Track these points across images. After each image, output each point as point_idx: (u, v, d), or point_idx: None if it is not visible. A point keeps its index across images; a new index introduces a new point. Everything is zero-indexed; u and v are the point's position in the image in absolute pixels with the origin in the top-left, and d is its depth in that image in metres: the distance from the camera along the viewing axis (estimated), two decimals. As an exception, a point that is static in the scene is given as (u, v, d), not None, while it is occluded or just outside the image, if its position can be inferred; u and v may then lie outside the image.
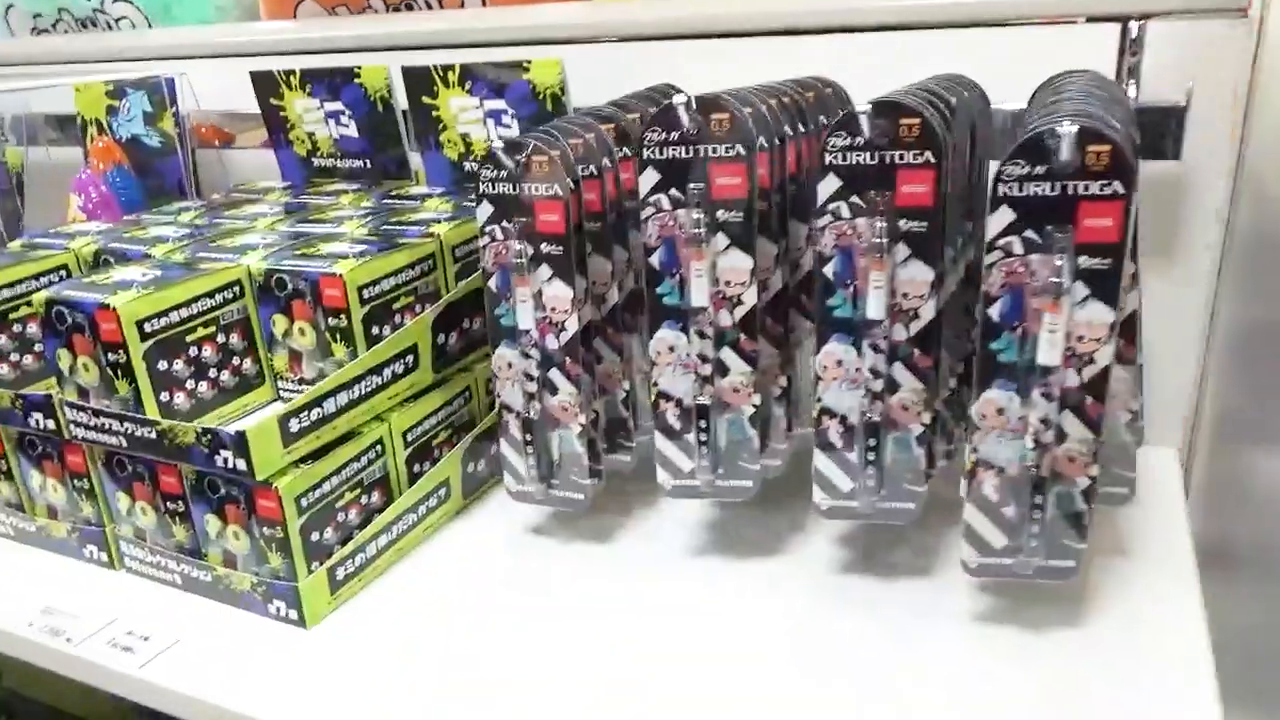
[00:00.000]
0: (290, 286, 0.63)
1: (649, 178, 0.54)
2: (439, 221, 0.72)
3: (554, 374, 0.61)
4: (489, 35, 0.91)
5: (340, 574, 0.60)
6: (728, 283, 0.55)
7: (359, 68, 0.91)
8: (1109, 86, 0.59)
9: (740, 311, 0.55)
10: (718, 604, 0.60)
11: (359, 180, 0.95)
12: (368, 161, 0.95)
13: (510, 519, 0.70)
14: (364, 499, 0.63)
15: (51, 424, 0.63)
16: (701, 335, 0.55)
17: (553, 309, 0.59)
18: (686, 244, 0.54)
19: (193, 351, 0.62)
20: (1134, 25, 0.69)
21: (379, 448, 0.63)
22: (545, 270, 0.59)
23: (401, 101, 0.91)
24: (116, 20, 1.22)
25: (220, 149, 1.13)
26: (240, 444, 0.55)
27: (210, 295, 0.62)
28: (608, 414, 0.65)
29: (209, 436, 0.55)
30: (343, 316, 0.62)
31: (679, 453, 0.59)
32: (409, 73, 0.89)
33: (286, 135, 0.98)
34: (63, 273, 0.72)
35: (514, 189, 0.58)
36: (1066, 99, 0.53)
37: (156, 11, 1.19)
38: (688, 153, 0.53)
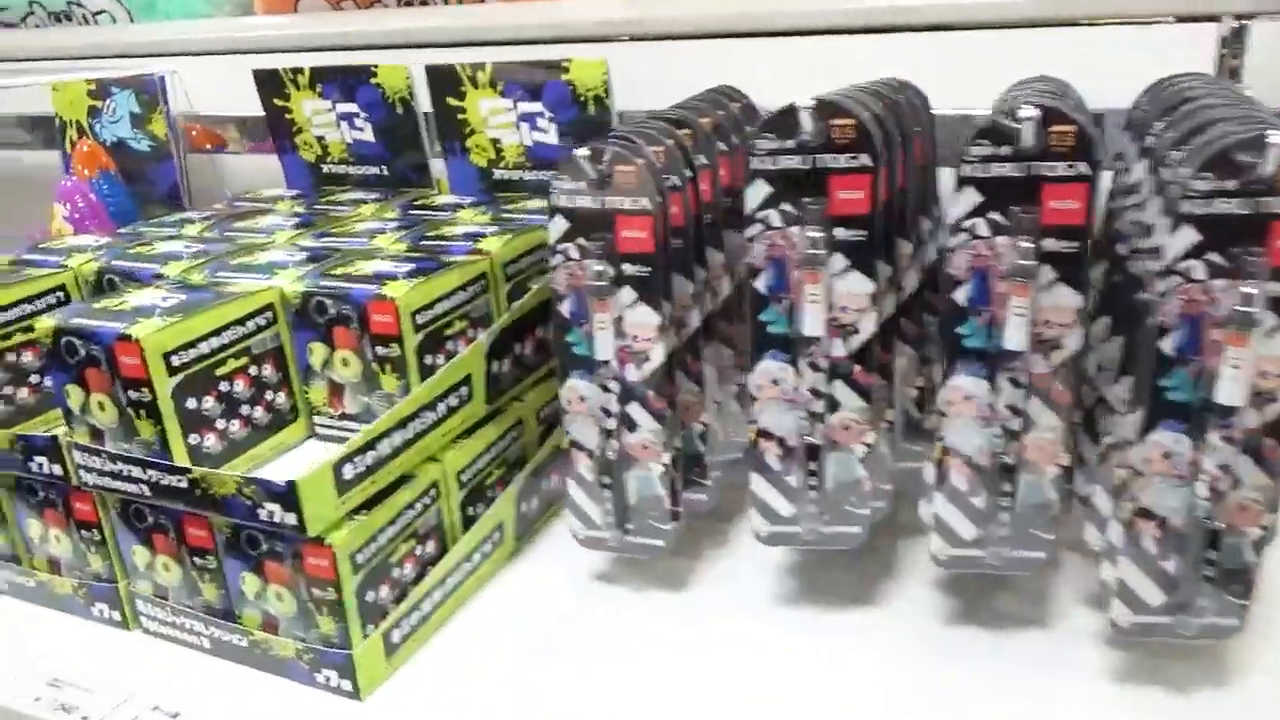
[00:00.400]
0: (332, 311, 0.56)
1: (758, 191, 0.48)
2: (484, 236, 0.65)
3: (634, 408, 0.54)
4: (517, 32, 0.85)
5: (396, 636, 0.53)
6: (844, 309, 0.49)
7: (376, 66, 0.84)
8: (1236, 91, 0.55)
9: (856, 341, 0.49)
10: (807, 654, 0.54)
11: (374, 188, 0.88)
12: (384, 168, 0.88)
13: (570, 563, 0.63)
14: (419, 550, 0.56)
15: (58, 469, 0.55)
16: (815, 368, 0.50)
17: (635, 337, 0.53)
18: (800, 266, 0.48)
19: (223, 386, 0.54)
20: (1231, 24, 0.65)
21: (434, 492, 0.57)
22: (628, 294, 0.52)
23: (423, 103, 0.84)
24: (95, 14, 1.13)
25: (212, 153, 1.05)
26: (290, 496, 0.48)
27: (241, 322, 0.55)
28: (684, 449, 0.59)
29: (253, 487, 0.48)
30: (394, 345, 0.55)
31: (779, 496, 0.53)
32: (434, 72, 0.82)
33: (292, 139, 0.91)
34: (60, 294, 0.64)
35: (595, 202, 0.52)
36: (1209, 104, 0.48)
37: (139, 6, 1.11)
38: (805, 163, 0.47)
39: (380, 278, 0.56)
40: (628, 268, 0.52)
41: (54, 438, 0.55)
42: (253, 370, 0.56)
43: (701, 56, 0.79)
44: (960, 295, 0.47)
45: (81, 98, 1.00)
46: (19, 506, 0.60)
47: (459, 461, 0.59)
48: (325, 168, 0.91)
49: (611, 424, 0.55)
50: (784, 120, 0.46)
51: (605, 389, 0.54)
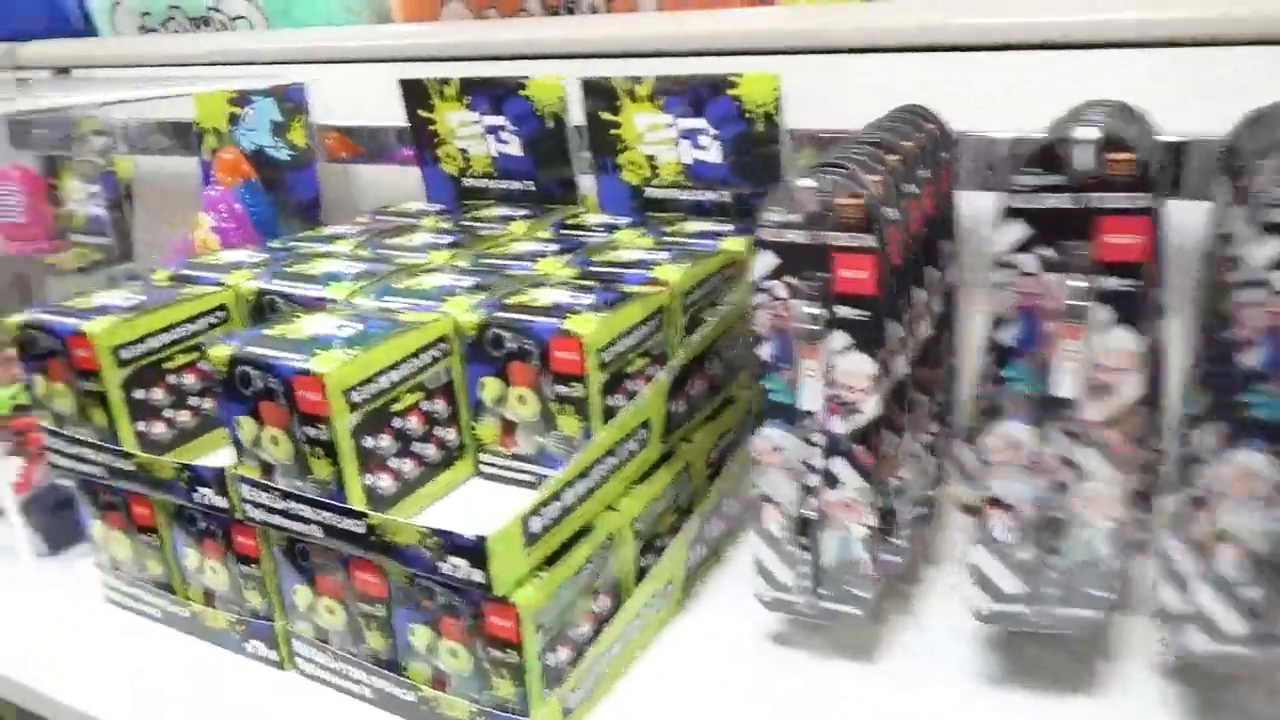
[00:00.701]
0: (511, 345, 0.52)
1: (1012, 232, 0.43)
2: (657, 263, 0.61)
3: (838, 464, 0.49)
4: (677, 44, 0.81)
5: (573, 700, 0.49)
6: (1104, 368, 0.43)
7: (528, 78, 0.81)
8: None
9: (1114, 405, 0.44)
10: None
11: (518, 203, 0.85)
12: (530, 183, 0.85)
13: (741, 619, 0.58)
14: (595, 607, 0.52)
15: (222, 502, 0.53)
16: (1071, 435, 0.44)
17: (846, 386, 0.48)
18: (1060, 318, 0.43)
19: (397, 423, 0.51)
20: None
21: (610, 543, 0.53)
22: (841, 338, 0.47)
23: (575, 117, 0.80)
24: (233, 19, 1.13)
25: (346, 163, 1.03)
26: (478, 552, 0.44)
27: (416, 355, 0.52)
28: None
29: (436, 539, 0.45)
30: (577, 385, 0.51)
31: (1006, 572, 0.47)
32: (590, 85, 0.78)
33: (434, 151, 0.88)
34: (220, 314, 0.62)
35: (809, 237, 0.47)
36: None
37: (276, 12, 1.10)
38: (1076, 203, 0.41)
39: (561, 310, 0.52)
40: (843, 310, 0.47)
41: (221, 470, 0.52)
42: (425, 406, 0.53)
43: (878, 72, 0.74)
44: (1253, 359, 0.40)
45: (221, 104, 0.99)
46: (177, 534, 0.58)
47: (635, 509, 0.54)
48: (466, 181, 0.88)
49: (813, 480, 0.50)
50: (1051, 153, 0.41)
51: (808, 442, 0.49)
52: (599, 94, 0.78)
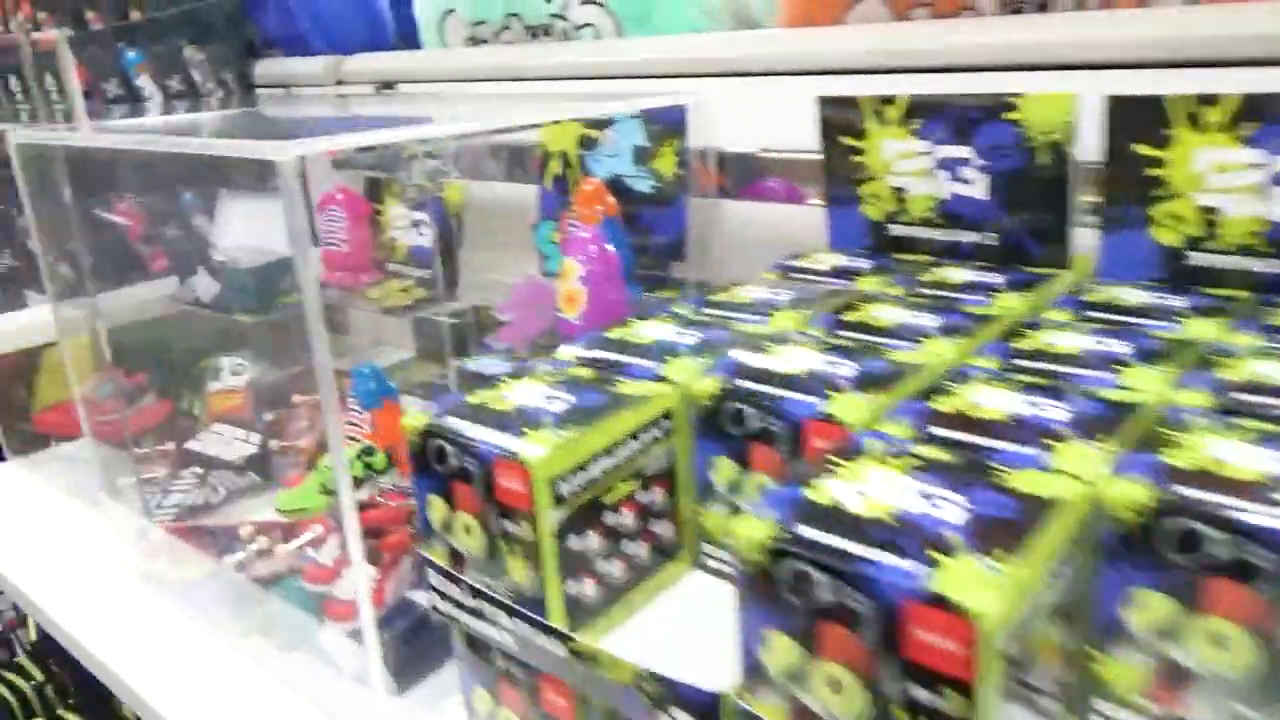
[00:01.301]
0: (1217, 552, 0.31)
1: None
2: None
3: None
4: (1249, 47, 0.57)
5: None
6: None
7: (1019, 96, 0.59)
8: None
9: None
10: None
11: (967, 261, 0.63)
12: (991, 234, 0.63)
13: None
14: None
15: (709, 739, 0.35)
16: None
17: None
18: None
19: (1030, 669, 0.31)
20: None
21: None
22: None
23: (1083, 149, 0.58)
24: (578, 28, 0.99)
25: (710, 198, 0.86)
26: None
27: (1058, 562, 0.31)
28: None
29: None
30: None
31: None
32: (1121, 105, 0.56)
33: (854, 188, 0.68)
34: (666, 424, 0.44)
35: None
36: None
37: (633, 18, 0.95)
38: None
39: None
40: None
41: (715, 699, 0.34)
42: (1054, 634, 0.32)
43: None
44: None
45: (573, 126, 0.85)
46: (606, 745, 0.41)
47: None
48: (893, 228, 0.68)
49: None
50: None
51: None
52: (1136, 116, 0.55)
